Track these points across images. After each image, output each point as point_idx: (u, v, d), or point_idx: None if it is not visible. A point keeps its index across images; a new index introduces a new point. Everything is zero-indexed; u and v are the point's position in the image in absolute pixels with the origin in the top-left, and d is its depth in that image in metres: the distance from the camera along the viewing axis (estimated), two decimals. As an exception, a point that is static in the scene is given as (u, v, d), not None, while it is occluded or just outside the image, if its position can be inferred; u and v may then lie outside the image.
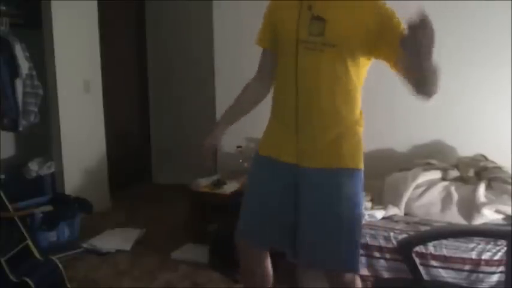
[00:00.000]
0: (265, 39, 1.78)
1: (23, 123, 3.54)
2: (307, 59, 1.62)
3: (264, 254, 1.87)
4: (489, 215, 2.53)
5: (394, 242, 2.38)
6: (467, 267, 2.28)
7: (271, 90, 1.81)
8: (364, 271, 2.42)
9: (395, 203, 2.72)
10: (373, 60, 3.43)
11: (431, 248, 2.33)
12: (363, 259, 2.43)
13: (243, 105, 1.87)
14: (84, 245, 3.35)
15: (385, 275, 2.39)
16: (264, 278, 1.88)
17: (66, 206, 3.38)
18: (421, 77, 1.43)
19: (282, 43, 1.69)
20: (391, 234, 2.44)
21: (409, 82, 1.49)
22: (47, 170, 3.69)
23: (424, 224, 2.56)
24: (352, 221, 1.67)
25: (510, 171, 2.78)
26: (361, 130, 1.75)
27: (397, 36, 1.44)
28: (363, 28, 1.57)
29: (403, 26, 1.42)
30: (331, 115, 1.65)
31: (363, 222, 2.55)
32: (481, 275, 2.25)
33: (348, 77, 1.64)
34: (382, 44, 1.56)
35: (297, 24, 1.61)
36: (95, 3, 4.02)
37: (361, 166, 1.72)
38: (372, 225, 2.54)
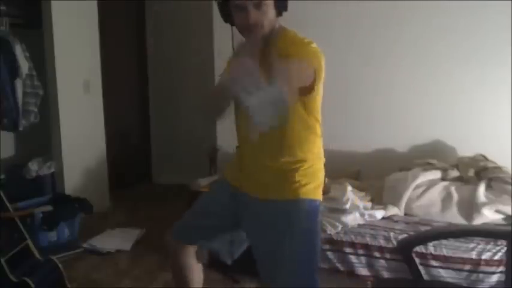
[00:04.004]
0: None
1: (23, 123, 3.54)
2: (245, 116, 1.64)
3: (191, 248, 1.94)
4: (489, 215, 2.53)
5: (394, 242, 2.38)
6: (467, 267, 2.28)
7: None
8: (364, 271, 2.42)
9: (396, 203, 2.72)
10: (373, 62, 3.43)
11: (431, 248, 2.33)
12: (363, 259, 2.43)
13: None
14: (84, 245, 3.35)
15: (385, 275, 2.39)
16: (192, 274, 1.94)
17: (66, 206, 3.38)
18: None
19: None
20: (391, 234, 2.44)
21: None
22: (47, 170, 3.69)
23: (424, 224, 2.56)
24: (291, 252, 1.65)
25: (510, 171, 2.78)
26: (319, 162, 1.71)
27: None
28: None
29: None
30: (270, 158, 1.66)
31: (362, 222, 2.56)
32: (481, 275, 2.25)
33: (293, 126, 1.61)
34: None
35: None
36: (95, 3, 4.02)
37: (310, 196, 1.67)
38: (372, 225, 2.54)
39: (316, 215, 1.69)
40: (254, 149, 1.69)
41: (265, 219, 1.69)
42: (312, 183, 1.67)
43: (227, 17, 1.63)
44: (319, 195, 1.70)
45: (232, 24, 1.61)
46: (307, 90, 1.54)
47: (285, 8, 1.60)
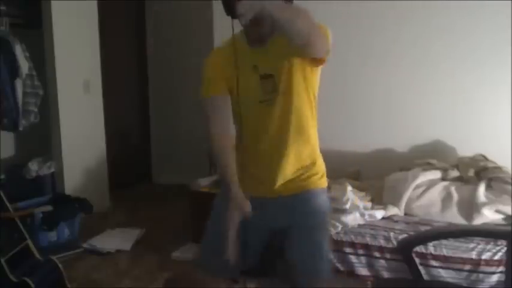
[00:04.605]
0: (220, 87, 1.69)
1: (23, 123, 3.54)
2: (262, 113, 1.66)
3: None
4: (489, 215, 2.53)
5: (394, 242, 2.38)
6: (467, 267, 2.27)
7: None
8: (364, 271, 2.42)
9: (396, 203, 2.72)
10: (372, 62, 3.43)
11: (431, 248, 2.33)
12: (363, 259, 2.43)
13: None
14: (84, 245, 3.36)
15: (385, 275, 2.38)
16: None
17: (66, 206, 3.38)
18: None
19: (236, 103, 1.67)
20: (391, 234, 2.44)
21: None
22: (47, 170, 3.69)
23: (424, 224, 2.56)
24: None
25: (510, 171, 2.78)
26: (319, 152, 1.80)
27: None
28: (300, 66, 1.61)
29: None
30: (294, 152, 1.69)
31: (362, 222, 2.57)
32: (481, 275, 2.25)
33: (302, 110, 1.66)
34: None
35: (248, 87, 1.63)
36: (95, 3, 4.02)
37: (324, 186, 1.79)
38: (372, 225, 2.54)
39: (329, 203, 1.80)
40: (266, 147, 1.68)
41: (288, 213, 1.71)
42: (324, 174, 1.78)
43: (230, 10, 1.62)
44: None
45: (233, 17, 1.60)
46: (319, 62, 1.57)
47: (291, 1, 1.63)
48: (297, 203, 1.72)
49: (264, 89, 1.63)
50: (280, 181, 1.70)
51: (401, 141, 3.32)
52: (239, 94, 1.64)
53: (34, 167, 3.63)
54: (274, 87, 1.62)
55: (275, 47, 1.60)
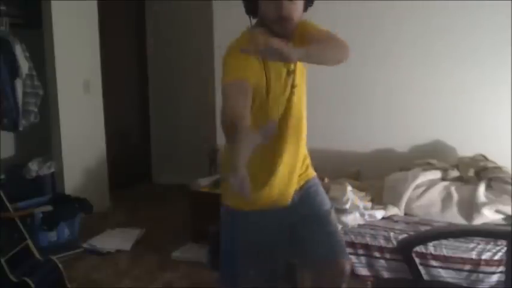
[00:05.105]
0: (250, 75, 1.51)
1: (23, 123, 3.54)
2: (284, 109, 1.64)
3: None
4: (489, 215, 2.53)
5: (394, 242, 2.38)
6: (467, 267, 2.27)
7: None
8: (364, 271, 2.42)
9: (396, 203, 2.72)
10: (372, 62, 3.44)
11: (431, 248, 2.33)
12: (363, 259, 2.43)
13: None
14: (84, 245, 3.36)
15: (385, 275, 2.39)
16: None
17: (66, 206, 3.38)
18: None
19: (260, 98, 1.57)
20: (391, 234, 2.44)
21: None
22: (47, 170, 3.69)
23: (424, 224, 2.56)
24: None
25: (510, 171, 2.78)
26: None
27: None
28: None
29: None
30: (302, 146, 1.74)
31: (362, 222, 2.57)
32: (481, 275, 2.25)
33: (304, 103, 1.72)
34: None
35: (279, 82, 1.60)
36: (95, 3, 4.02)
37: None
38: (372, 225, 2.54)
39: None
40: (278, 153, 1.66)
41: (303, 204, 1.74)
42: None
43: (251, 8, 1.59)
44: None
45: (254, 16, 1.58)
46: None
47: (312, 3, 1.64)
48: (305, 193, 1.75)
49: (290, 83, 1.62)
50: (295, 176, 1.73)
51: (401, 141, 3.32)
52: (270, 91, 1.57)
53: (34, 167, 3.63)
54: (294, 82, 1.62)
55: (299, 40, 1.57)
